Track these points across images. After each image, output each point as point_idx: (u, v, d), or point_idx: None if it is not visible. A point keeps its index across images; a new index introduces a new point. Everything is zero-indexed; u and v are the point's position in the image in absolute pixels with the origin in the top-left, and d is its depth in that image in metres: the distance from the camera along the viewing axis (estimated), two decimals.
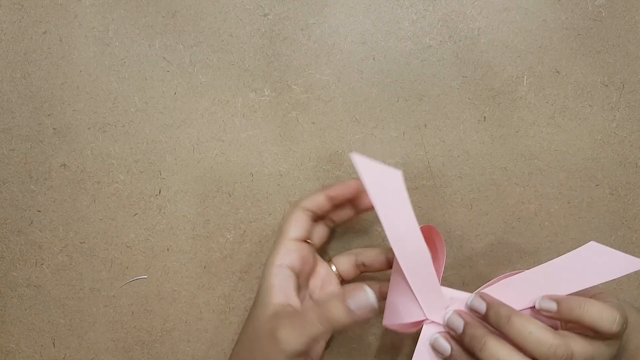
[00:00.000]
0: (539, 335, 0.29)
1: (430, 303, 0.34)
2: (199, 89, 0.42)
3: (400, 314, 0.34)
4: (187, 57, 0.42)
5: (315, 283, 0.38)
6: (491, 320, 0.31)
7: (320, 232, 0.38)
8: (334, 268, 0.38)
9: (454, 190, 0.41)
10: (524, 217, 0.41)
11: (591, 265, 0.32)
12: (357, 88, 0.42)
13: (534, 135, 0.41)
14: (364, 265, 0.38)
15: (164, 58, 0.42)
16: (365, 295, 0.30)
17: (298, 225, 0.36)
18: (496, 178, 0.41)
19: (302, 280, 0.36)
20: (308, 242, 0.37)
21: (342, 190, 0.36)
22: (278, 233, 0.37)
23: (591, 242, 0.32)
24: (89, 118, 0.42)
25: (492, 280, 0.34)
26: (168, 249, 0.43)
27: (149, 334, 0.43)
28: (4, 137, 0.42)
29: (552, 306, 0.31)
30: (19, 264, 0.43)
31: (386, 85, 0.42)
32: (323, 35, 0.42)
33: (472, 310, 0.33)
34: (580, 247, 0.32)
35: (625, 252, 0.41)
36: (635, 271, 0.40)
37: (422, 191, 0.41)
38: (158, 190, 0.42)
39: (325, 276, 0.38)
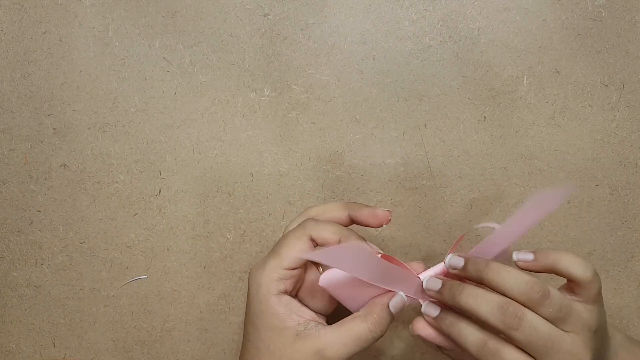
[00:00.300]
0: (516, 273, 0.31)
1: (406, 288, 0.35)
2: (199, 89, 0.42)
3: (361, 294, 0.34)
4: (187, 57, 0.42)
5: (304, 287, 0.36)
6: (470, 270, 0.32)
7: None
8: (320, 269, 0.37)
9: (454, 190, 0.41)
10: None
11: (536, 205, 0.33)
12: (357, 88, 0.42)
13: (534, 135, 0.41)
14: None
15: (164, 58, 0.42)
16: (401, 298, 0.34)
17: (296, 252, 0.34)
18: (496, 178, 0.41)
19: (293, 294, 0.35)
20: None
21: (368, 220, 0.35)
22: (275, 249, 0.34)
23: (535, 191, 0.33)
24: (89, 118, 0.42)
25: (452, 246, 0.35)
26: (168, 249, 0.43)
27: (149, 334, 0.43)
28: (4, 137, 0.42)
29: (529, 256, 0.32)
30: (19, 264, 0.43)
31: (386, 85, 0.42)
32: (323, 35, 0.42)
33: (450, 268, 0.34)
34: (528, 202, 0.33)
35: (626, 252, 0.41)
36: (634, 274, 0.41)
37: (422, 191, 0.41)
38: (158, 190, 0.42)
39: (313, 280, 0.36)
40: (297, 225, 0.35)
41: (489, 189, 0.42)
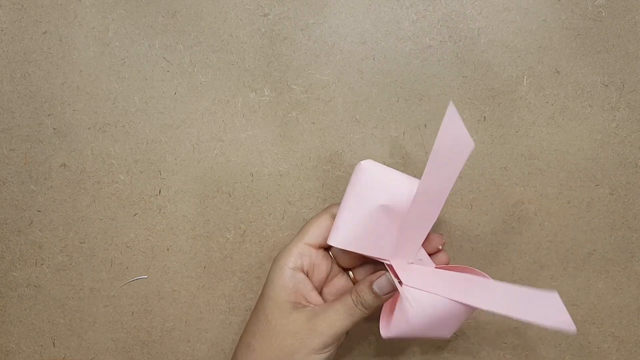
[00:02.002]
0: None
1: (401, 252, 0.34)
2: (199, 89, 0.42)
3: (365, 244, 0.34)
4: (187, 57, 0.42)
5: (329, 291, 0.37)
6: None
7: (354, 258, 0.37)
8: (351, 274, 0.38)
9: (454, 190, 0.41)
10: (524, 217, 0.42)
11: (537, 306, 0.33)
12: (357, 88, 0.42)
13: (534, 135, 0.41)
14: None
15: (164, 58, 0.42)
16: (386, 280, 0.34)
17: (319, 230, 0.35)
18: (496, 178, 0.41)
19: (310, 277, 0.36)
20: (326, 250, 0.36)
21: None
22: (300, 230, 0.36)
23: (555, 294, 0.33)
24: (89, 118, 0.42)
25: (457, 266, 0.35)
26: (168, 249, 0.43)
27: (149, 334, 0.43)
28: (4, 137, 0.42)
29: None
30: (19, 264, 0.43)
31: (386, 85, 0.42)
32: (323, 35, 0.42)
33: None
34: (543, 291, 0.33)
35: (626, 252, 0.41)
36: (634, 274, 0.41)
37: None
38: (158, 190, 0.42)
39: (341, 287, 0.37)
40: (323, 210, 0.37)
41: (489, 189, 0.42)
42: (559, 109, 0.41)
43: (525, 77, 0.41)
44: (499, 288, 0.34)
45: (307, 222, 0.36)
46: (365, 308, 0.34)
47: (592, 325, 0.42)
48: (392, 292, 0.34)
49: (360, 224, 0.33)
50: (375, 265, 0.38)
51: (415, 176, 0.35)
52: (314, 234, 0.35)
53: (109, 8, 0.42)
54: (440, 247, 0.36)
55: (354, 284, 0.38)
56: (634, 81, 0.41)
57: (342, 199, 0.35)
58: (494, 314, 0.34)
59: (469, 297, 0.33)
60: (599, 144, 0.41)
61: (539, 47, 0.41)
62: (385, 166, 0.34)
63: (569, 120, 0.41)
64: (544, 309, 0.32)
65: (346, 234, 0.33)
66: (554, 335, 0.42)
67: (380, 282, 0.34)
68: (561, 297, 0.40)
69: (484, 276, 0.34)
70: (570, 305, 0.42)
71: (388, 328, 0.34)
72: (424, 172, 0.32)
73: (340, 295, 0.35)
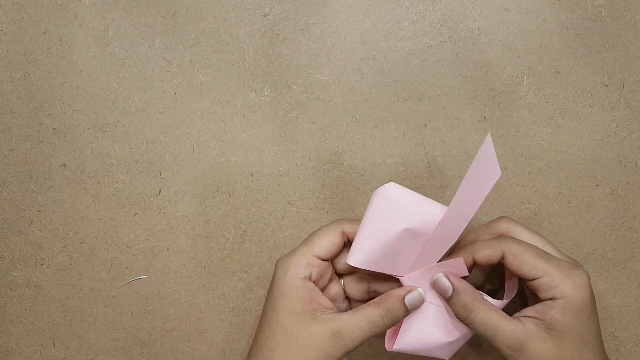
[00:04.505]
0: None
1: (416, 269, 0.35)
2: (199, 89, 0.42)
3: (383, 264, 0.35)
4: (187, 57, 0.42)
5: (326, 296, 0.37)
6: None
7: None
8: (342, 282, 0.38)
9: (454, 190, 0.41)
10: (524, 217, 0.41)
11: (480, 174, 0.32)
12: (357, 88, 0.42)
13: (534, 135, 0.41)
14: (375, 292, 0.37)
15: (164, 58, 0.42)
16: (419, 295, 0.35)
17: (328, 244, 0.35)
18: None
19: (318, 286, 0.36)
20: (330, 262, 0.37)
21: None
22: (307, 238, 0.36)
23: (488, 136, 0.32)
24: (89, 118, 0.42)
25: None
26: (168, 249, 0.43)
27: (149, 334, 0.43)
28: (4, 137, 0.42)
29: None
30: (19, 264, 0.43)
31: (386, 85, 0.42)
32: (323, 35, 0.42)
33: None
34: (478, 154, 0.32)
35: (626, 252, 0.41)
36: (634, 274, 0.41)
37: (422, 191, 0.41)
38: (158, 190, 0.42)
39: (335, 294, 0.37)
40: (331, 222, 0.37)
41: None
42: (559, 109, 0.41)
43: (525, 77, 0.41)
44: (455, 210, 0.33)
45: (314, 233, 0.36)
46: (392, 322, 0.34)
47: None
48: (420, 306, 0.35)
49: (382, 246, 0.34)
50: (370, 280, 0.38)
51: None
52: (323, 247, 0.35)
53: (109, 8, 0.42)
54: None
55: (345, 293, 0.38)
56: (634, 81, 0.41)
57: (363, 217, 0.34)
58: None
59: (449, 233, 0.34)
60: (599, 144, 0.41)
61: (539, 47, 0.41)
62: (408, 190, 0.34)
63: (569, 120, 0.41)
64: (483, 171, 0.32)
65: (368, 255, 0.34)
66: None
67: (413, 297, 0.34)
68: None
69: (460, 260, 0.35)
70: None
71: (393, 342, 0.36)
72: (454, 197, 0.32)
73: (359, 307, 0.35)
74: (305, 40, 0.42)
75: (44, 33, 0.42)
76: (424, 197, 0.34)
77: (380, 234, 0.34)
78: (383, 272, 0.35)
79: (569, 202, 0.41)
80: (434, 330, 0.35)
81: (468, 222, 0.32)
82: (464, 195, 0.32)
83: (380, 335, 0.42)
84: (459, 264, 0.34)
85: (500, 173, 0.31)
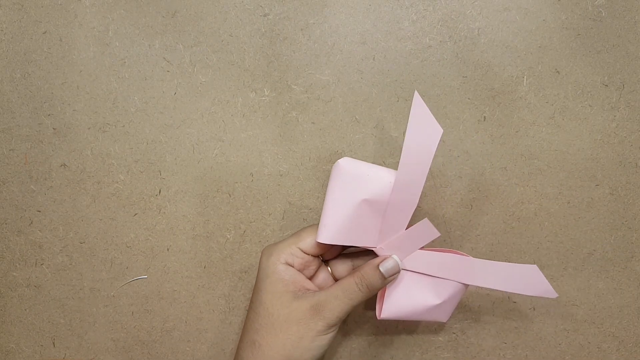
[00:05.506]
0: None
1: (386, 238, 0.36)
2: (199, 89, 0.42)
3: (352, 236, 0.35)
4: (187, 57, 0.42)
5: (314, 283, 0.38)
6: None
7: (336, 250, 0.38)
8: (329, 269, 0.38)
9: (454, 190, 0.41)
10: (524, 217, 0.42)
11: (519, 278, 0.35)
12: (357, 88, 0.42)
13: (534, 135, 0.41)
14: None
15: (164, 58, 0.42)
16: (394, 261, 0.35)
17: (314, 241, 0.36)
18: (496, 178, 0.41)
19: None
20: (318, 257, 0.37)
21: None
22: (295, 233, 0.36)
23: (535, 267, 0.35)
24: (89, 118, 0.42)
25: (439, 249, 0.36)
26: (168, 249, 0.43)
27: (149, 334, 0.43)
28: (4, 137, 0.42)
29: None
30: (19, 264, 0.43)
31: (386, 85, 0.42)
32: (323, 35, 0.42)
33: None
34: (524, 265, 0.35)
35: (626, 252, 0.41)
36: (634, 274, 0.41)
37: (422, 191, 0.41)
38: (158, 190, 0.42)
39: (323, 280, 0.38)
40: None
41: (489, 189, 0.42)
42: (559, 109, 0.41)
43: (525, 77, 0.41)
44: (482, 264, 0.35)
45: (304, 228, 0.37)
46: (369, 290, 0.35)
47: (592, 325, 0.42)
48: (396, 274, 0.35)
49: (345, 219, 0.35)
50: (353, 257, 0.39)
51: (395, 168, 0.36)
52: (309, 243, 0.36)
53: (109, 8, 0.42)
54: None
55: (333, 277, 0.39)
56: (634, 81, 0.41)
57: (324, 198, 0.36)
58: (483, 289, 0.35)
59: (454, 274, 0.36)
60: (599, 144, 0.41)
61: (539, 47, 0.41)
62: (361, 161, 0.35)
63: (569, 120, 0.41)
64: (525, 280, 0.35)
65: (333, 230, 0.35)
66: (554, 335, 0.42)
67: (387, 264, 0.35)
68: (561, 297, 0.41)
69: (466, 256, 0.36)
70: (570, 305, 0.42)
71: (381, 310, 0.36)
72: (400, 161, 0.33)
73: (338, 281, 0.36)
74: (305, 40, 0.42)
75: (44, 33, 0.42)
76: (377, 165, 0.35)
77: (341, 208, 0.35)
78: (353, 244, 0.35)
79: (569, 202, 0.42)
80: (419, 295, 0.36)
81: (422, 184, 0.34)
82: (409, 158, 0.33)
83: (378, 329, 0.42)
84: (426, 226, 0.35)
85: (441, 130, 0.33)
